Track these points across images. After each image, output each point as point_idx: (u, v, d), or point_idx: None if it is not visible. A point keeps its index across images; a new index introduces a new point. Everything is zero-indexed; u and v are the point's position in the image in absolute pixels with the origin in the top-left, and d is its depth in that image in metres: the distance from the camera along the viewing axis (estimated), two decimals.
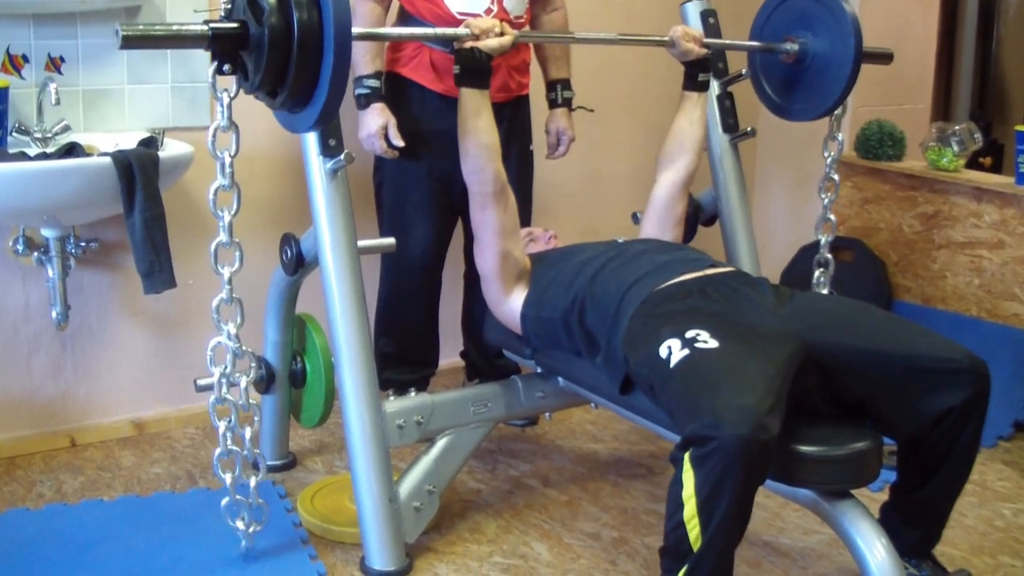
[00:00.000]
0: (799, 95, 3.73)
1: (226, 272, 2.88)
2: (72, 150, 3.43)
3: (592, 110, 3.97)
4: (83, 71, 3.64)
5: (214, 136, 2.77)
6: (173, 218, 3.45)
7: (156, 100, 3.76)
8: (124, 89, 3.71)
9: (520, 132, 3.86)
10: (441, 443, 3.22)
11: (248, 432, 2.97)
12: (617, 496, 3.56)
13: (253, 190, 3.95)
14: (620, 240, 3.27)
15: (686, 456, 2.31)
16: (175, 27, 2.63)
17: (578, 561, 3.15)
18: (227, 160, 2.81)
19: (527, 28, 3.73)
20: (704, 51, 3.48)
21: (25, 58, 3.55)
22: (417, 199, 3.74)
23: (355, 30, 2.71)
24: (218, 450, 2.96)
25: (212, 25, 2.60)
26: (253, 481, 3.02)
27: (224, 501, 2.99)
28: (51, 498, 3.46)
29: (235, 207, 2.86)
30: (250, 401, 2.97)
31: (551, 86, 3.92)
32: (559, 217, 4.54)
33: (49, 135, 3.51)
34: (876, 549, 2.47)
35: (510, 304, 3.23)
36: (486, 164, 3.07)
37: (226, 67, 2.66)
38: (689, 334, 2.56)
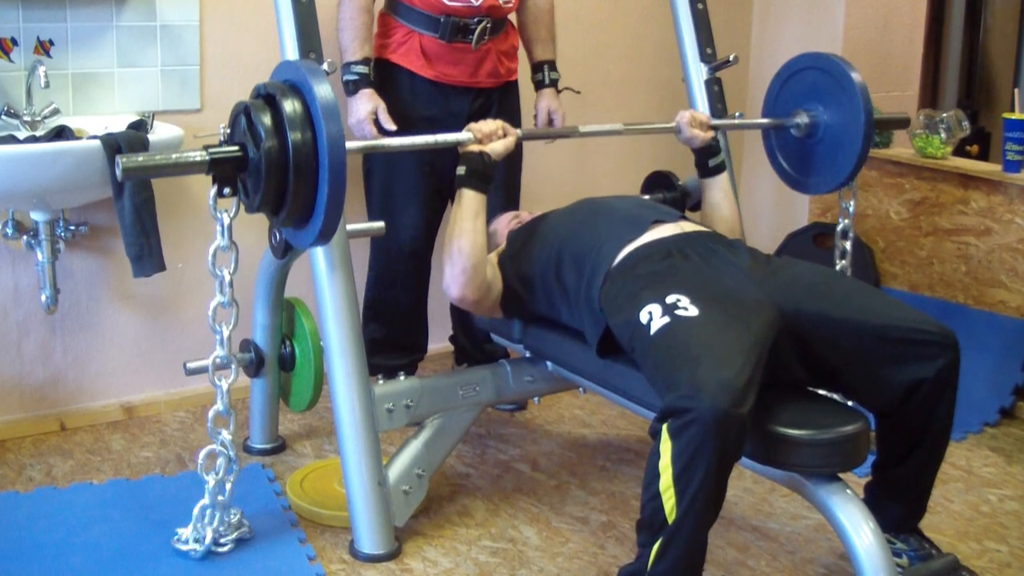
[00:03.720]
0: (813, 168, 3.75)
1: (224, 385, 2.95)
2: (61, 133, 3.43)
3: (579, 92, 3.97)
4: (72, 54, 3.63)
5: (214, 255, 2.86)
6: (163, 202, 3.46)
7: (145, 83, 3.75)
8: (113, 72, 3.70)
9: (509, 117, 3.85)
10: (430, 427, 3.23)
11: (225, 384, 2.98)
12: (605, 480, 3.57)
13: None
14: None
15: (664, 427, 2.35)
16: (175, 156, 2.71)
17: (567, 545, 3.16)
18: (226, 279, 2.89)
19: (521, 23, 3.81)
20: (710, 135, 3.49)
21: (14, 41, 3.54)
22: (406, 185, 3.74)
23: (352, 144, 2.76)
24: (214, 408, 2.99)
25: (211, 151, 2.70)
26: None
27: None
28: (41, 481, 3.46)
29: (232, 322, 2.93)
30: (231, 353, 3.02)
31: (538, 67, 3.93)
32: (545, 202, 4.49)
33: (38, 118, 3.50)
34: (863, 533, 2.49)
35: (498, 312, 3.27)
36: (475, 267, 3.04)
37: (226, 190, 2.76)
38: (670, 299, 2.59)
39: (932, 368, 2.64)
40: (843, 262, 3.92)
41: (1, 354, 3.73)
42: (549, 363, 3.34)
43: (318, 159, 2.61)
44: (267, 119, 2.64)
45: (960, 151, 4.81)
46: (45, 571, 2.93)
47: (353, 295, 3.05)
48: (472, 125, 3.11)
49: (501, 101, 3.81)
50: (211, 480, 2.99)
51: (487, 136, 3.08)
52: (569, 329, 3.12)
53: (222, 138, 2.78)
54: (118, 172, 2.61)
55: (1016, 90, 4.43)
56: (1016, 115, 4.18)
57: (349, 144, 2.67)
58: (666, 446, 2.34)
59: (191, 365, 2.98)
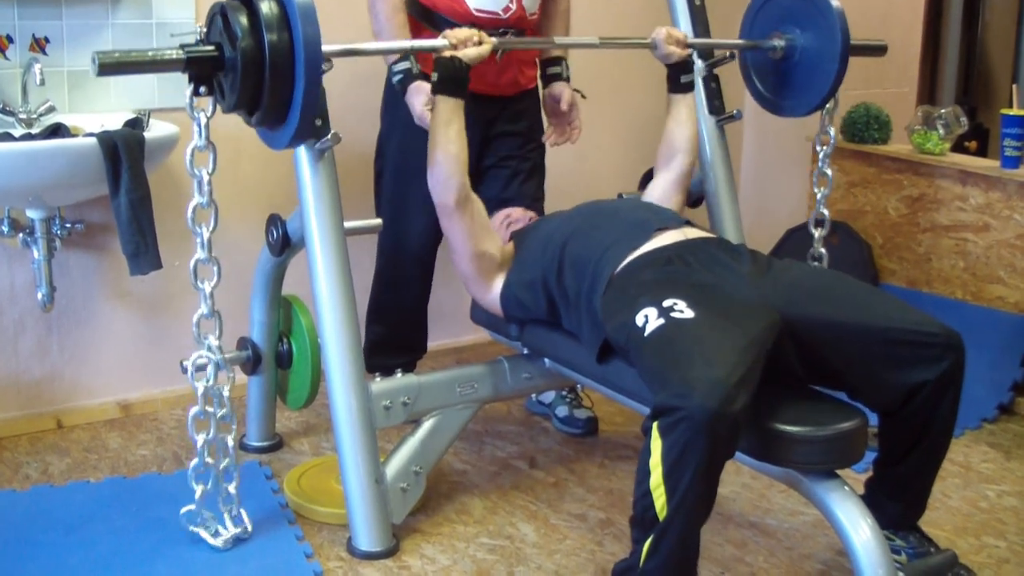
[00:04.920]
0: (789, 91, 3.77)
1: (207, 287, 2.97)
2: (57, 131, 3.42)
3: (585, 96, 3.90)
4: (68, 52, 3.63)
5: (191, 156, 2.88)
6: (159, 199, 3.45)
7: (142, 81, 3.74)
8: None
9: (530, 125, 3.83)
10: (427, 424, 3.22)
11: (229, 440, 3.06)
12: (603, 477, 3.56)
13: (241, 170, 3.95)
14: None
15: (655, 425, 2.36)
16: (150, 53, 2.77)
17: (564, 542, 3.16)
18: (205, 179, 2.90)
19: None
20: (686, 52, 3.51)
21: (9, 38, 3.53)
22: (419, 190, 3.67)
23: (328, 47, 2.79)
24: (195, 461, 3.04)
25: (188, 49, 2.74)
26: (232, 488, 3.09)
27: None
28: (37, 480, 3.46)
29: (213, 223, 2.95)
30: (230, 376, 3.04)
31: (555, 61, 3.81)
32: (545, 199, 4.54)
33: (34, 116, 3.49)
34: (861, 529, 2.49)
35: (492, 294, 3.27)
36: (452, 174, 3.09)
37: (202, 89, 2.80)
38: (666, 303, 2.59)
39: (936, 370, 2.63)
40: (823, 190, 3.93)
41: None
42: (547, 360, 3.33)
43: (294, 58, 2.66)
44: (243, 19, 2.68)
45: (958, 147, 4.81)
46: (42, 570, 2.92)
47: (350, 292, 3.04)
48: (447, 32, 3.13)
49: (521, 109, 3.80)
50: (200, 387, 2.99)
51: (461, 42, 3.09)
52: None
53: (198, 38, 2.81)
54: (93, 68, 2.64)
55: (1015, 86, 4.43)
56: (1014, 111, 4.18)
57: (325, 47, 2.73)
58: (656, 444, 2.34)
59: (188, 363, 2.99)
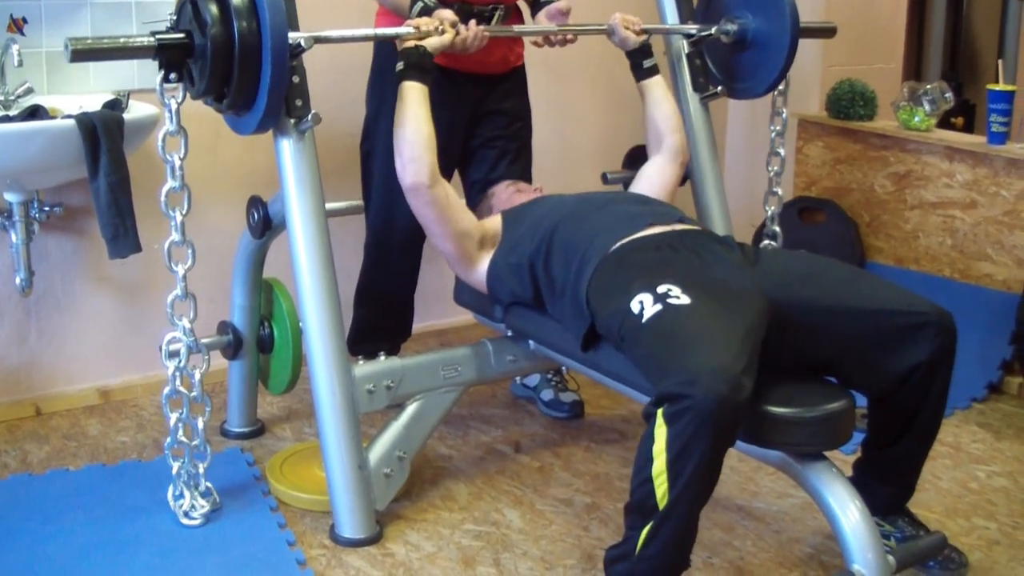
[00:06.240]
0: (741, 74, 3.79)
1: (180, 270, 3.00)
2: (35, 113, 3.38)
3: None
4: (46, 32, 3.58)
5: (163, 141, 2.92)
6: (138, 181, 3.40)
7: (121, 62, 3.68)
8: None
9: (518, 102, 3.80)
10: (411, 408, 3.20)
11: (200, 423, 3.08)
12: (590, 461, 3.54)
13: (221, 152, 3.91)
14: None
15: (659, 412, 2.33)
16: (122, 39, 2.80)
17: (550, 527, 3.13)
18: (176, 163, 2.94)
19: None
20: (642, 37, 3.57)
21: None
22: None
23: (295, 35, 2.83)
24: (168, 439, 3.08)
25: (159, 36, 2.79)
26: (201, 468, 3.13)
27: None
28: (16, 468, 3.42)
29: (186, 207, 2.98)
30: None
31: None
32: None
33: (11, 98, 3.45)
34: (850, 511, 2.48)
35: (478, 271, 3.25)
36: (422, 154, 3.09)
37: (172, 76, 2.85)
38: (661, 288, 2.57)
39: (928, 350, 2.62)
40: (774, 168, 3.97)
41: None
42: (531, 342, 3.30)
43: (261, 43, 2.73)
44: (212, 7, 2.74)
45: (945, 123, 4.79)
46: (20, 559, 2.89)
47: (332, 275, 3.01)
48: (410, 20, 3.18)
49: (509, 88, 3.76)
50: (171, 366, 3.03)
51: (426, 30, 3.15)
52: None
53: (169, 25, 2.86)
54: (67, 55, 2.68)
55: (1000, 61, 4.41)
56: (1000, 86, 4.16)
57: (293, 34, 2.79)
58: (661, 431, 2.31)
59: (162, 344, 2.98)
